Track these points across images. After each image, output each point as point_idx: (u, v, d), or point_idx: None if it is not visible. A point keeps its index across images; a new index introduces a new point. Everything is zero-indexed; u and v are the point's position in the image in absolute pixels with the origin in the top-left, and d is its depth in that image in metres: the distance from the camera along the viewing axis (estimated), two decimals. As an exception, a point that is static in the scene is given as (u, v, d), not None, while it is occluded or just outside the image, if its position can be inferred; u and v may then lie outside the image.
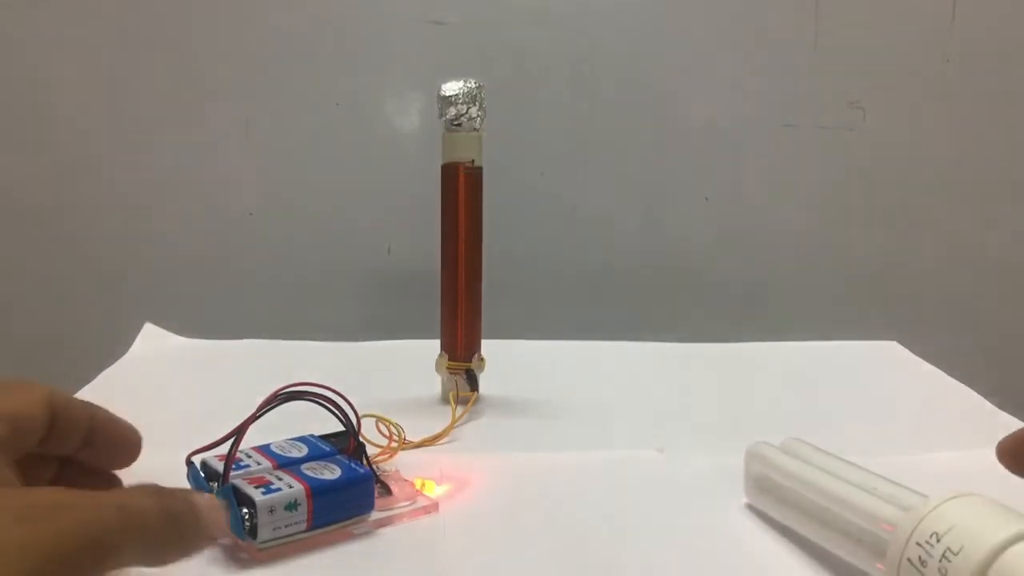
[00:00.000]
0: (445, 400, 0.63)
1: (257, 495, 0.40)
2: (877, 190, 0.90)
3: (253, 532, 0.40)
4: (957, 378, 0.71)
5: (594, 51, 0.85)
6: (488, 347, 0.64)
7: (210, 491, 0.43)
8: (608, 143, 0.87)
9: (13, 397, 0.31)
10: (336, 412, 0.45)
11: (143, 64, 0.83)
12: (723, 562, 0.42)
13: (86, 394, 0.61)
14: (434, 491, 0.48)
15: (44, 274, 0.87)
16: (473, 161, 0.60)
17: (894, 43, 0.88)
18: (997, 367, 0.91)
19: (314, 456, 0.45)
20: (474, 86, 0.60)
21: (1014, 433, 0.38)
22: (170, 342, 0.78)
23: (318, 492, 0.42)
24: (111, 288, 0.87)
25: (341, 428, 0.46)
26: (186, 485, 0.44)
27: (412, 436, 0.55)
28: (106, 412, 0.35)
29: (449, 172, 0.61)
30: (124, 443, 0.36)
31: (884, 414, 0.65)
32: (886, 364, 0.77)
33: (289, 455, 0.45)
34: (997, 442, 0.38)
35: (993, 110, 0.89)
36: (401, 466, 0.50)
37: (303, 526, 0.41)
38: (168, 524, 0.29)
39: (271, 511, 0.40)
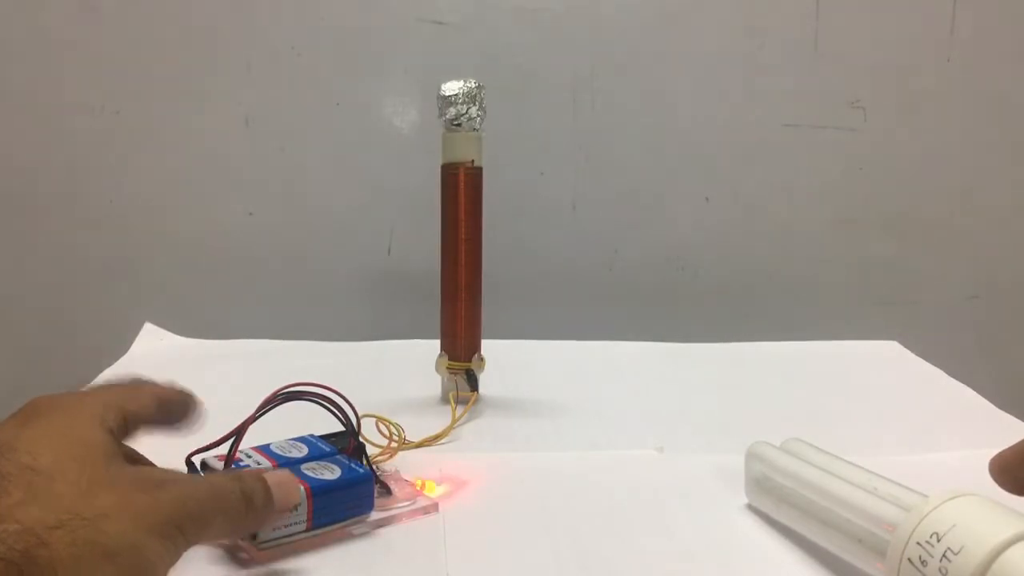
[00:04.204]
0: (445, 400, 0.63)
1: (257, 495, 0.40)
2: (877, 190, 0.90)
3: (253, 532, 0.40)
4: (957, 378, 0.71)
5: (594, 51, 0.85)
6: (488, 347, 0.64)
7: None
8: (608, 143, 0.87)
9: (134, 398, 0.38)
10: (336, 412, 0.45)
11: (143, 63, 0.83)
12: (723, 562, 0.42)
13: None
14: (434, 491, 0.48)
15: (44, 273, 0.87)
16: (473, 161, 0.60)
17: (894, 43, 0.88)
18: (997, 367, 0.91)
19: (314, 456, 0.45)
20: (474, 86, 0.60)
21: (1007, 449, 0.38)
22: (170, 342, 0.78)
23: (318, 492, 0.42)
24: (111, 288, 0.87)
25: (341, 428, 0.46)
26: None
27: (412, 436, 0.55)
28: (186, 396, 0.42)
29: (449, 172, 0.61)
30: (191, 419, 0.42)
31: (884, 414, 0.65)
32: (886, 364, 0.77)
33: (289, 455, 0.45)
34: (996, 445, 0.38)
35: (993, 110, 0.89)
36: (401, 466, 0.50)
37: (303, 526, 0.41)
38: (245, 503, 0.36)
39: (271, 511, 0.40)
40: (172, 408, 0.40)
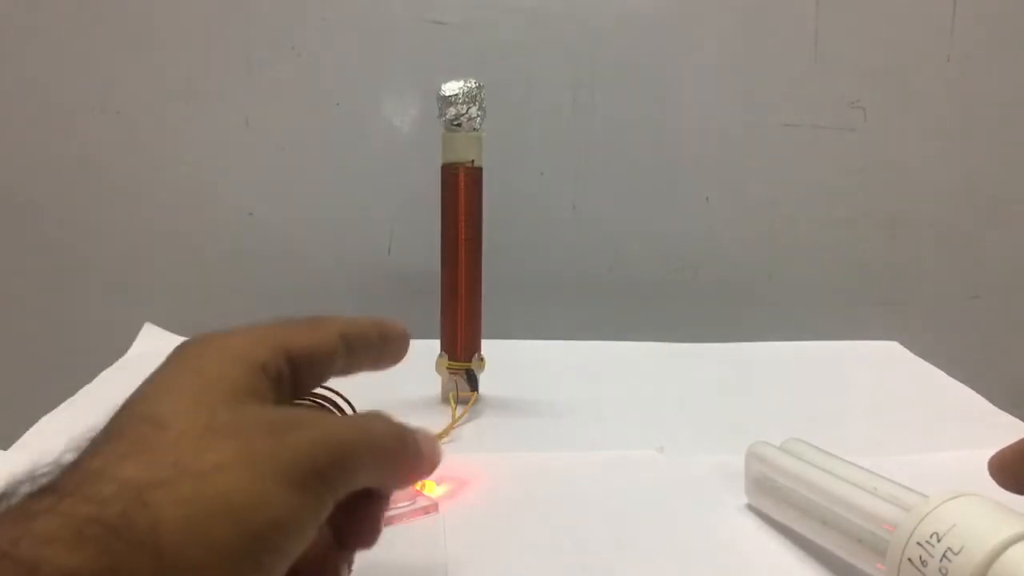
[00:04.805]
0: (445, 400, 0.63)
1: (257, 495, 0.40)
2: (877, 190, 0.90)
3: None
4: (957, 378, 0.71)
5: (594, 51, 0.85)
6: (488, 347, 0.64)
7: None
8: (608, 143, 0.87)
9: (308, 332, 0.32)
10: (336, 412, 0.45)
11: (143, 63, 0.83)
12: (723, 562, 0.42)
13: (85, 394, 0.61)
14: (434, 491, 0.48)
15: (44, 274, 0.86)
16: (473, 161, 0.60)
17: (894, 43, 0.88)
18: (997, 367, 0.91)
19: (314, 456, 0.45)
20: (474, 86, 0.60)
21: (1006, 448, 0.38)
22: (170, 342, 0.78)
23: (318, 492, 0.41)
24: (111, 288, 0.87)
25: (341, 428, 0.46)
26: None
27: (412, 436, 0.55)
28: (377, 322, 0.35)
29: (449, 172, 0.61)
30: (395, 345, 0.36)
31: (884, 414, 0.65)
32: (886, 364, 0.77)
33: (289, 455, 0.45)
34: (996, 445, 0.38)
35: (993, 110, 0.89)
36: (401, 466, 0.50)
37: (303, 526, 0.41)
38: (400, 446, 0.30)
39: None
40: (364, 344, 0.34)
